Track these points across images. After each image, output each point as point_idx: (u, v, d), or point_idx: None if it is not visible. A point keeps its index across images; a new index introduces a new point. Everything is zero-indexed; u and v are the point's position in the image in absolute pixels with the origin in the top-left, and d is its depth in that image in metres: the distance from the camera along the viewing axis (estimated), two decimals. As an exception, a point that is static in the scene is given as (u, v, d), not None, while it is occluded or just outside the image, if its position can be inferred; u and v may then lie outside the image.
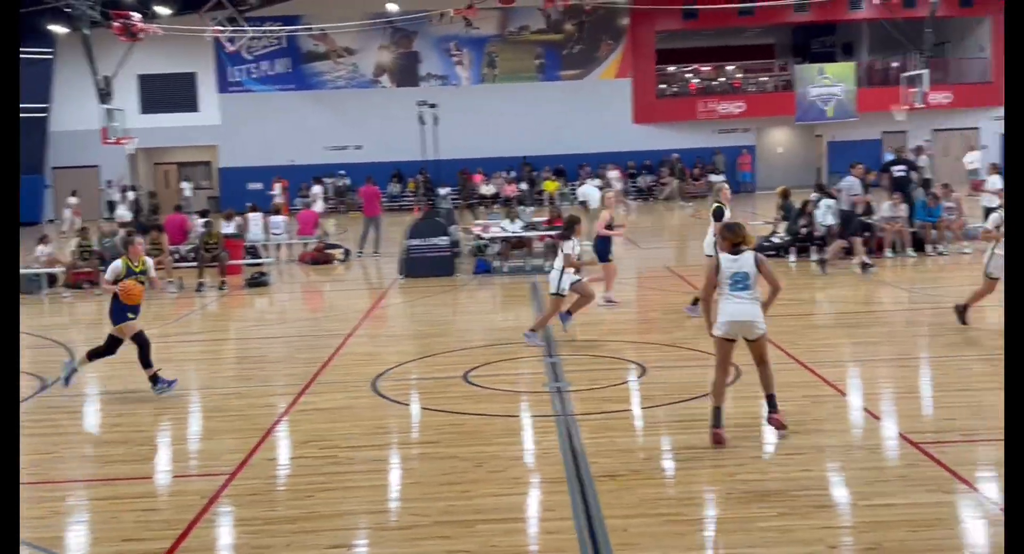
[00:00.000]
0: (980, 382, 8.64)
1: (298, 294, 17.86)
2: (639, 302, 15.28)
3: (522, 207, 21.99)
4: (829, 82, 34.80)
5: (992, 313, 11.93)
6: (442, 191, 33.19)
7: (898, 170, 19.30)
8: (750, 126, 38.52)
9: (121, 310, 9.19)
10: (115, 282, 9.22)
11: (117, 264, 9.44)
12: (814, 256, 17.12)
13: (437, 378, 9.62)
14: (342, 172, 37.55)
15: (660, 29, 37.39)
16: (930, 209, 17.85)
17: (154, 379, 9.14)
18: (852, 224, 16.62)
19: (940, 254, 17.23)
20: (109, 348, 9.33)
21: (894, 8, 31.37)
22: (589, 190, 22.66)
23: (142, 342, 9.16)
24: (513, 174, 37.21)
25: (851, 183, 17.35)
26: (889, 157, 24.85)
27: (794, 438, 7.30)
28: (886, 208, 17.60)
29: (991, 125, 37.40)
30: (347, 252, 20.97)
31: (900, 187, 18.41)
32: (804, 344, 10.46)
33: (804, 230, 17.63)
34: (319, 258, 20.41)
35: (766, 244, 18.22)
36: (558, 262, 11.09)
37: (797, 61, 40.97)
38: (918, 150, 30.84)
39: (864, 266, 15.62)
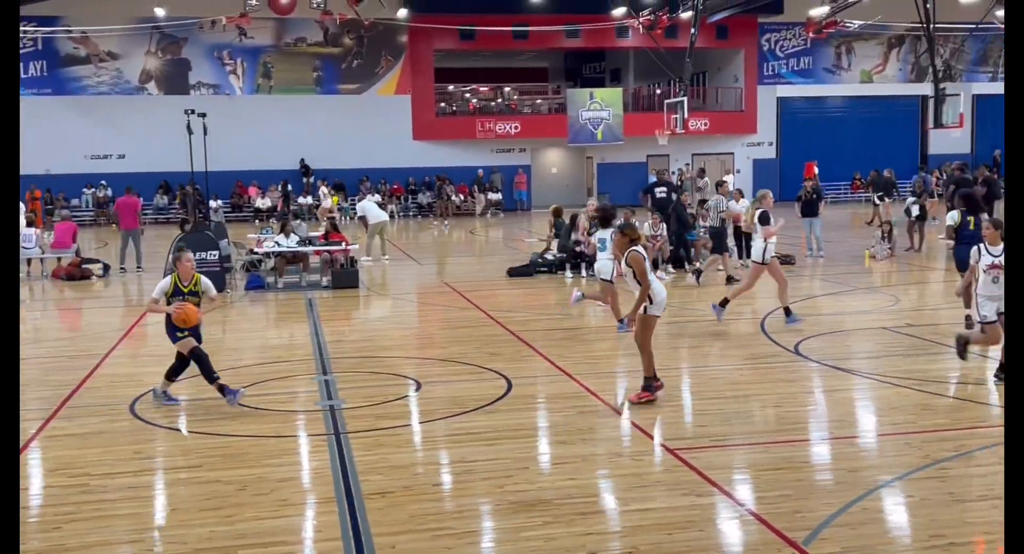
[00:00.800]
0: (730, 391, 9.23)
1: (51, 312, 16.67)
2: (418, 317, 15.32)
3: (298, 221, 21.55)
4: (599, 106, 36.34)
5: (745, 325, 12.82)
6: (213, 204, 32.02)
7: (660, 192, 20.41)
8: (526, 146, 39.60)
9: (172, 328, 8.83)
10: (164, 302, 8.86)
11: (165, 282, 8.97)
12: (584, 272, 17.80)
13: (203, 399, 9.21)
14: (103, 182, 35.44)
15: (438, 48, 37.80)
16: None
17: (222, 389, 8.69)
18: (721, 242, 17.62)
19: (697, 271, 18.30)
20: (182, 364, 8.98)
21: (657, 38, 33.20)
22: (367, 205, 22.51)
23: (199, 357, 8.76)
24: (291, 188, 36.42)
25: (719, 201, 18.36)
26: (652, 179, 26.23)
27: (562, 448, 7.53)
28: (647, 227, 18.52)
29: (744, 150, 40.30)
30: (106, 267, 19.78)
31: (661, 207, 19.47)
32: (573, 357, 10.82)
33: (577, 247, 18.27)
34: (75, 274, 19.11)
35: (540, 261, 18.77)
36: (605, 254, 12.33)
37: (569, 85, 42.62)
38: (700, 172, 32.68)
39: (729, 279, 16.49)
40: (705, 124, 38.89)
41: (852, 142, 40.40)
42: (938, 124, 30.57)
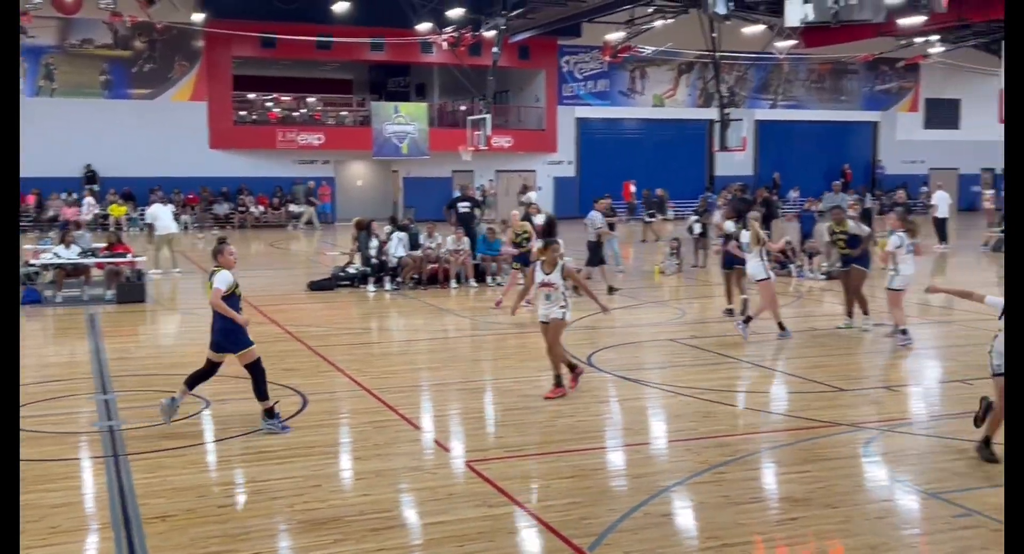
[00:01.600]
0: (525, 402, 9.40)
1: None
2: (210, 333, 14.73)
3: (80, 231, 20.28)
4: (404, 120, 36.32)
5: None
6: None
7: (463, 206, 20.61)
8: (329, 158, 39.07)
9: (240, 332, 8.08)
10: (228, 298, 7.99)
11: (228, 276, 8.06)
12: (387, 285, 17.73)
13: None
14: None
15: (237, 55, 36.72)
16: (490, 243, 19.22)
17: (270, 413, 8.07)
18: (596, 255, 17.78)
19: (499, 285, 18.59)
20: (209, 372, 8.31)
21: (461, 55, 33.60)
22: (158, 210, 21.45)
23: (261, 371, 8.09)
24: (75, 196, 34.33)
25: (594, 216, 18.46)
26: (456, 194, 26.45)
27: (357, 464, 7.44)
28: (450, 242, 18.68)
29: (545, 168, 41.34)
30: None
31: (464, 222, 19.67)
32: (372, 372, 10.73)
33: (378, 260, 18.17)
34: None
35: (342, 274, 18.53)
36: (754, 256, 12.65)
37: (374, 98, 42.37)
38: (524, 188, 33.15)
39: (611, 289, 16.57)
40: (508, 142, 39.63)
41: (646, 163, 42.22)
42: (723, 147, 32.48)
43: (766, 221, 21.92)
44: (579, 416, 8.81)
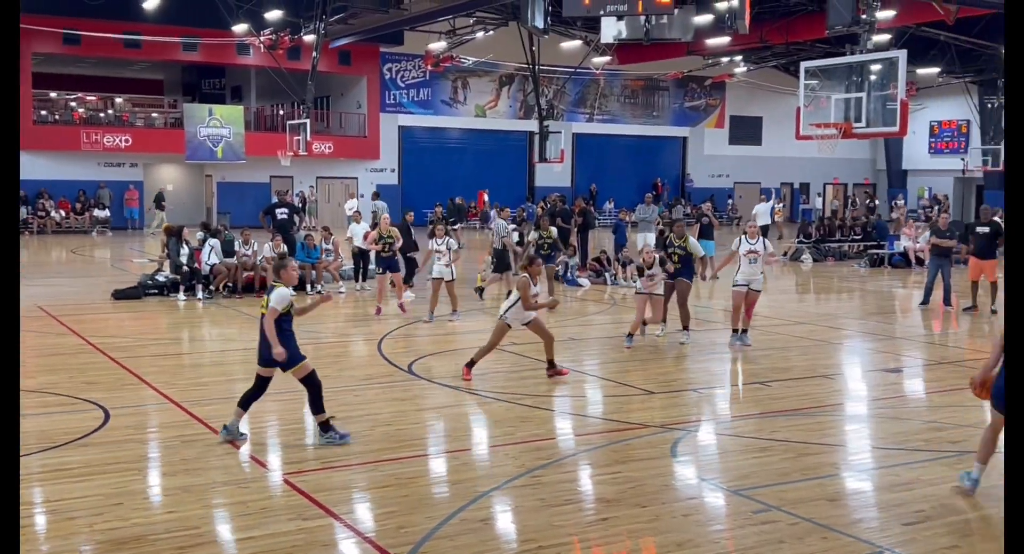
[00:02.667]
0: (342, 411, 9.24)
1: None
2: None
3: None
4: (218, 123, 35.15)
5: (363, 346, 12.96)
6: None
7: (281, 213, 20.16)
8: (138, 161, 37.36)
9: (291, 345, 7.81)
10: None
11: (286, 294, 7.80)
12: (199, 294, 17.09)
13: None
14: None
15: (37, 51, 34.55)
16: (309, 250, 18.87)
17: (325, 426, 7.94)
18: (504, 261, 17.79)
19: (318, 293, 18.25)
20: (260, 390, 8.09)
21: (279, 58, 32.85)
22: None
23: (317, 384, 7.96)
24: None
25: (499, 225, 18.66)
26: (274, 200, 25.82)
27: (163, 480, 7.13)
28: (267, 249, 18.19)
29: (368, 175, 41.00)
30: None
31: (282, 229, 19.23)
32: (181, 384, 10.31)
33: (189, 268, 17.49)
34: None
35: (150, 282, 17.73)
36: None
37: (187, 100, 40.84)
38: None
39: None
40: (329, 148, 39.08)
41: (469, 172, 42.59)
42: (542, 158, 33.19)
43: (583, 231, 22.57)
44: (398, 424, 8.76)
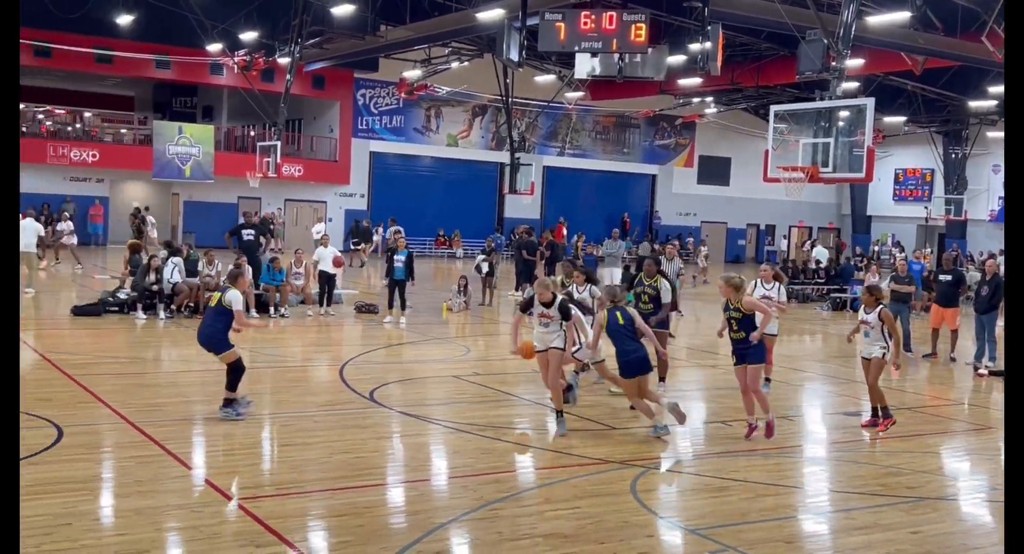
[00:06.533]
0: (300, 437, 9.16)
1: None
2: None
3: None
4: (188, 142, 34.97)
5: (325, 372, 12.85)
6: None
7: (247, 234, 20.01)
8: (105, 176, 37.01)
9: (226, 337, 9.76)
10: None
11: (239, 295, 9.85)
12: (162, 313, 16.89)
13: None
14: None
15: (8, 61, 34.23)
16: (274, 273, 18.73)
17: (230, 402, 9.63)
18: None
19: (282, 316, 18.11)
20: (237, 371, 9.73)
21: (252, 80, 32.82)
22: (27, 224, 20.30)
23: (240, 369, 9.77)
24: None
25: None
26: (240, 221, 25.63)
27: (116, 501, 6.99)
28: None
29: (337, 200, 40.91)
30: None
31: (248, 250, 19.09)
32: (138, 403, 10.14)
33: (153, 286, 17.30)
34: None
35: (111, 299, 17.51)
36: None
37: (157, 117, 40.62)
38: (323, 219, 32.59)
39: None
40: (299, 170, 38.98)
41: (439, 200, 42.64)
42: (512, 190, 33.31)
43: (550, 264, 22.62)
44: (357, 452, 8.67)
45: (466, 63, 36.05)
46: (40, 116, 39.67)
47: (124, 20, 30.96)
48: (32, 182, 35.05)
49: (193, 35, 31.57)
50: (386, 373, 12.85)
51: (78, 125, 39.61)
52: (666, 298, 11.72)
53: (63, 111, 40.21)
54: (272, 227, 30.13)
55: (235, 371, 9.69)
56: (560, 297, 9.93)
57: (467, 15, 26.55)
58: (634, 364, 9.41)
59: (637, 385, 9.56)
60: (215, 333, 9.77)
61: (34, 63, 34.48)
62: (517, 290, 22.31)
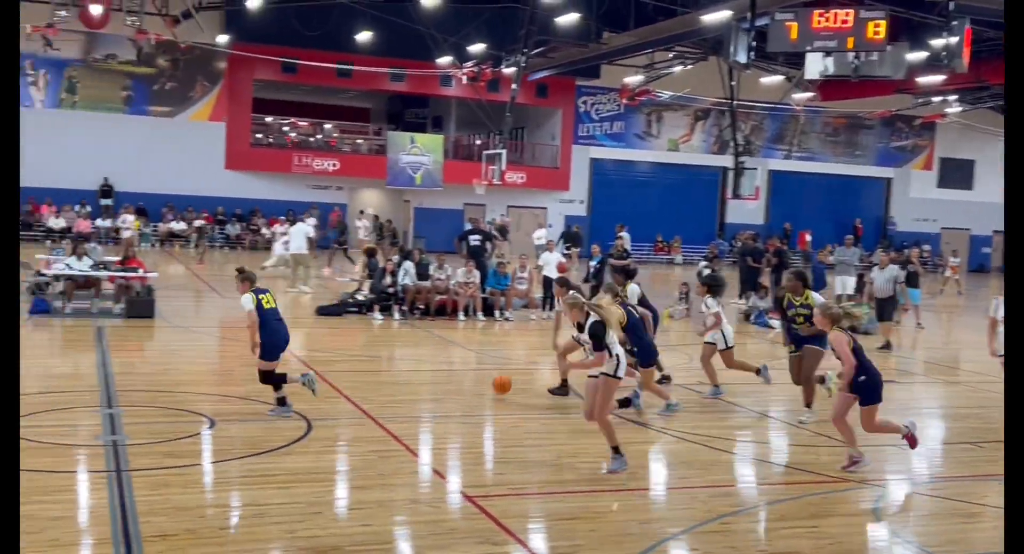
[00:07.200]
0: (530, 439, 9.33)
1: None
2: (217, 352, 14.72)
3: (92, 244, 20.29)
4: (419, 151, 36.52)
5: (551, 376, 13.06)
6: None
7: (474, 239, 20.63)
8: (343, 185, 39.24)
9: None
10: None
11: (247, 298, 9.58)
12: (396, 315, 17.71)
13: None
14: None
15: (258, 77, 37.04)
16: (500, 277, 19.21)
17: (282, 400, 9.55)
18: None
19: (506, 319, 18.54)
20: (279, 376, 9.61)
21: (480, 90, 33.88)
22: (297, 228, 22.43)
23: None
24: (88, 208, 34.51)
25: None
26: (468, 227, 26.45)
27: (359, 493, 7.37)
28: (460, 274, 18.66)
29: (557, 206, 41.46)
30: None
31: (474, 255, 19.67)
32: (377, 400, 10.67)
33: (389, 289, 18.17)
34: None
35: (351, 300, 18.52)
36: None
37: (391, 127, 42.64)
38: (502, 227, 33.26)
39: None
40: (521, 178, 39.79)
41: (657, 206, 42.34)
42: (736, 195, 32.56)
43: (777, 272, 21.94)
44: (584, 457, 8.73)
45: (689, 66, 35.61)
46: (285, 128, 42.63)
47: (363, 37, 32.74)
48: (279, 190, 37.76)
49: (425, 49, 32.96)
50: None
51: (319, 136, 42.26)
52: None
53: (306, 123, 43.01)
54: (507, 234, 30.92)
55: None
56: (592, 320, 8.09)
57: (692, 18, 26.22)
58: (653, 352, 10.66)
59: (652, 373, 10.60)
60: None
61: (282, 78, 37.15)
62: (740, 298, 21.77)
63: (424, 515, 6.90)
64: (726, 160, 36.69)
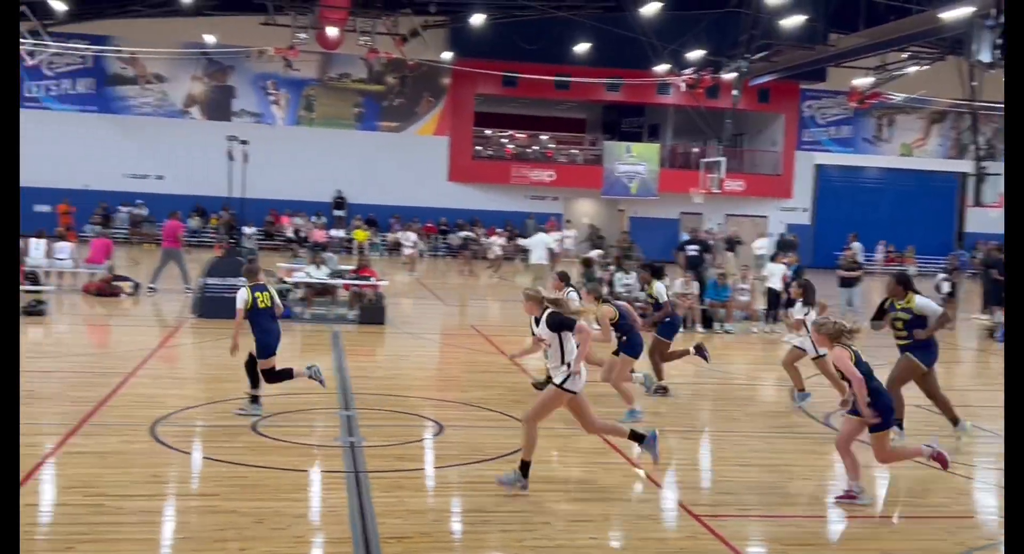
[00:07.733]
0: (757, 458, 9.03)
1: (79, 327, 16.70)
2: (442, 359, 15.21)
3: (328, 253, 21.53)
4: (634, 160, 36.42)
5: (774, 392, 12.63)
6: (247, 230, 32.32)
7: (691, 250, 20.32)
8: (559, 195, 39.70)
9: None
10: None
11: (243, 293, 9.70)
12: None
13: (223, 426, 9.14)
14: (140, 201, 35.84)
15: (480, 92, 38.15)
16: (720, 288, 18.80)
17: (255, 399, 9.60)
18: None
19: (727, 332, 18.12)
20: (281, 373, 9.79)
21: (698, 97, 33.41)
22: (536, 240, 22.79)
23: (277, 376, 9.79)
24: (324, 219, 36.67)
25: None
26: (685, 237, 26.09)
27: (582, 505, 7.36)
28: (679, 285, 18.39)
29: (779, 215, 40.17)
30: (136, 285, 19.86)
31: (693, 266, 19.35)
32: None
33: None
34: (105, 290, 19.20)
35: (567, 310, 18.65)
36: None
37: (607, 137, 42.79)
38: (728, 237, 32.48)
39: None
40: (741, 185, 38.87)
41: (887, 214, 40.21)
42: (977, 202, 30.40)
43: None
44: (816, 480, 8.36)
45: (925, 67, 33.62)
46: (504, 140, 43.68)
47: (581, 48, 33.04)
48: (498, 201, 38.71)
49: (642, 58, 32.84)
50: (836, 396, 12.26)
51: (535, 147, 43.00)
52: (932, 317, 9.38)
53: (523, 135, 43.90)
54: (736, 247, 30.19)
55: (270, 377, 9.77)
56: (549, 311, 7.33)
57: (930, 16, 24.74)
58: (641, 346, 10.65)
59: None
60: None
61: (502, 92, 38.12)
62: (984, 312, 20.27)
63: (650, 532, 6.80)
64: (964, 165, 34.36)
